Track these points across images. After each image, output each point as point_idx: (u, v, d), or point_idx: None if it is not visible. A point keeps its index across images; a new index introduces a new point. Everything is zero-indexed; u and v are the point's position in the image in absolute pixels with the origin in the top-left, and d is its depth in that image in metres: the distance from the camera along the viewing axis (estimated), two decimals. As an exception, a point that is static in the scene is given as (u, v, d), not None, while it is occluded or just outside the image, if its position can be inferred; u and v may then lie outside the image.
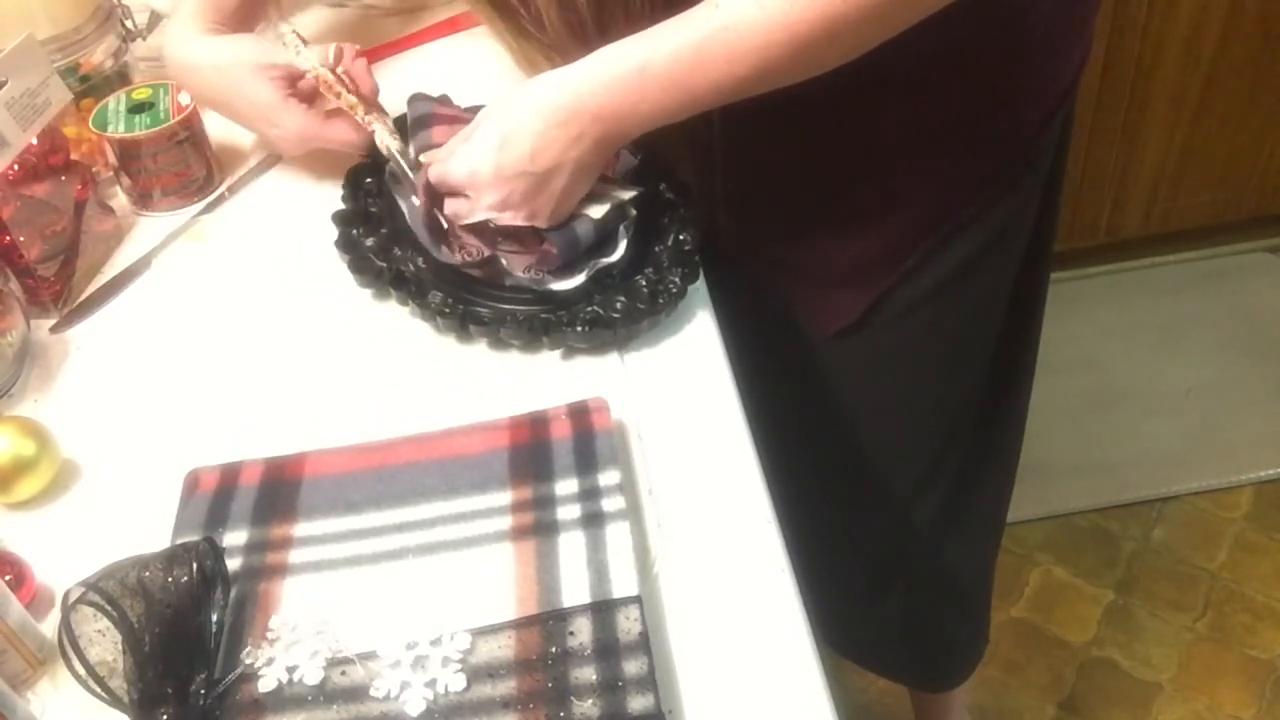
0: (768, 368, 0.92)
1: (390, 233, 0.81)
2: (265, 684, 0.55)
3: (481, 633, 0.56)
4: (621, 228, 0.77)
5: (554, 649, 0.55)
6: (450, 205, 0.76)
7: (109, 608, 0.53)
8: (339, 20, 1.10)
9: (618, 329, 0.73)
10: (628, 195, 0.77)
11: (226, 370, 0.76)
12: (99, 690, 0.53)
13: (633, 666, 0.53)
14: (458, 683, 0.54)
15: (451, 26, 1.07)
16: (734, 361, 0.73)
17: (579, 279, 0.75)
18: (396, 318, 0.78)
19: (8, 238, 0.80)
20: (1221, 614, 1.63)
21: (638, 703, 0.52)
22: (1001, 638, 1.61)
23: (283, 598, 0.59)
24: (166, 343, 0.79)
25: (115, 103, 0.90)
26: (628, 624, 0.55)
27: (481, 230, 0.77)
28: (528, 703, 0.53)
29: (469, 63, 1.00)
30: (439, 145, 0.78)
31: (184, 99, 0.89)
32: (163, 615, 0.54)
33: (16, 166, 0.83)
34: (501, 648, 0.55)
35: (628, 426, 0.69)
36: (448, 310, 0.75)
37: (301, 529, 0.62)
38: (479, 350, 0.75)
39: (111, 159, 0.90)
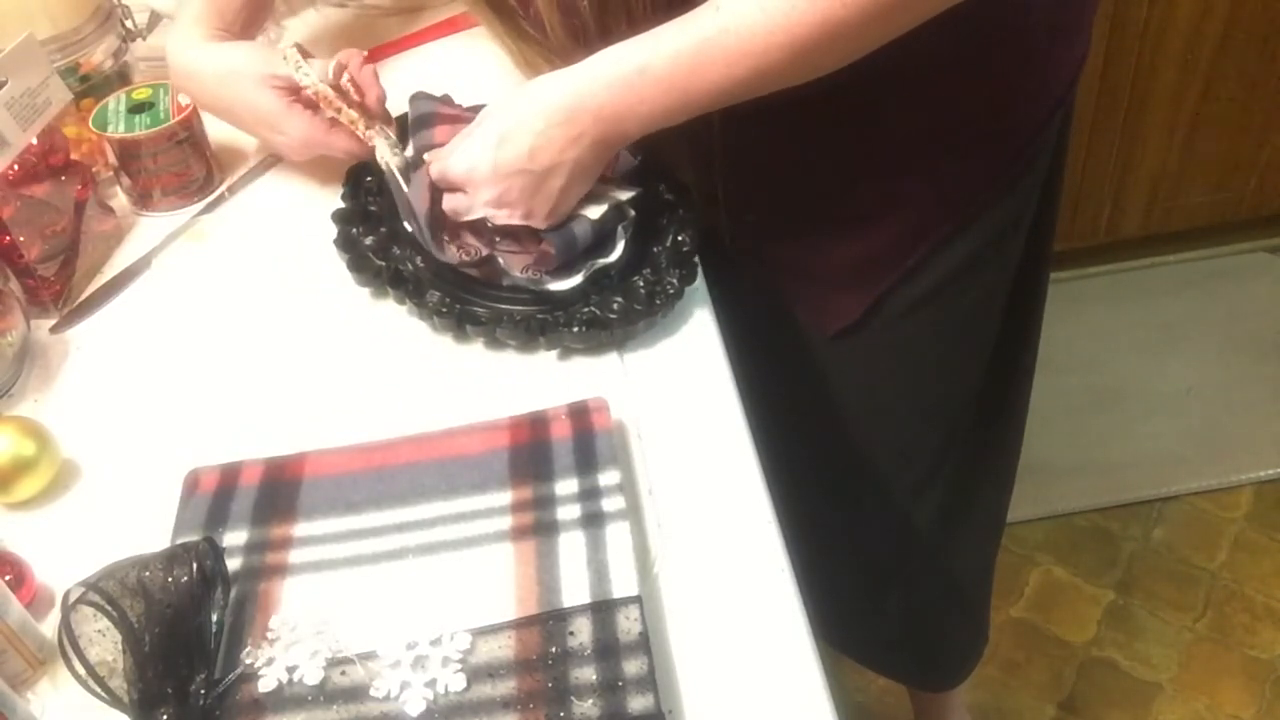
0: (768, 368, 0.92)
1: (389, 232, 0.81)
2: (265, 684, 0.55)
3: (481, 633, 0.56)
4: (620, 228, 0.77)
5: (554, 649, 0.55)
6: (449, 201, 0.76)
7: (109, 608, 0.53)
8: (339, 20, 1.10)
9: (614, 330, 0.73)
10: (626, 196, 0.77)
11: (226, 370, 0.76)
12: (99, 690, 0.53)
13: (633, 666, 0.53)
14: (458, 683, 0.54)
15: (451, 26, 1.07)
16: (734, 361, 0.73)
17: (577, 279, 0.75)
18: (395, 317, 0.78)
19: (8, 238, 0.80)
20: (1221, 614, 1.63)
21: (638, 703, 0.52)
22: (1001, 638, 1.61)
23: (283, 598, 0.59)
24: (166, 343, 0.79)
25: (115, 103, 0.90)
26: (628, 624, 0.55)
27: (480, 230, 0.77)
28: (528, 703, 0.53)
29: (469, 63, 1.00)
30: (441, 145, 0.78)
31: (184, 99, 0.89)
32: (163, 615, 0.54)
33: (16, 166, 0.83)
34: (501, 648, 0.55)
35: (628, 426, 0.69)
36: (445, 310, 0.75)
37: (301, 529, 0.62)
38: (476, 350, 0.75)
39: (111, 159, 0.90)
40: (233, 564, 0.60)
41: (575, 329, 0.73)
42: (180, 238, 0.88)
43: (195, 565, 0.55)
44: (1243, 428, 1.84)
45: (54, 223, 0.84)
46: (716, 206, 0.90)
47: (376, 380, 0.74)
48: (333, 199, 0.85)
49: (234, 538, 0.62)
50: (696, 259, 0.77)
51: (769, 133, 0.82)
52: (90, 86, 0.93)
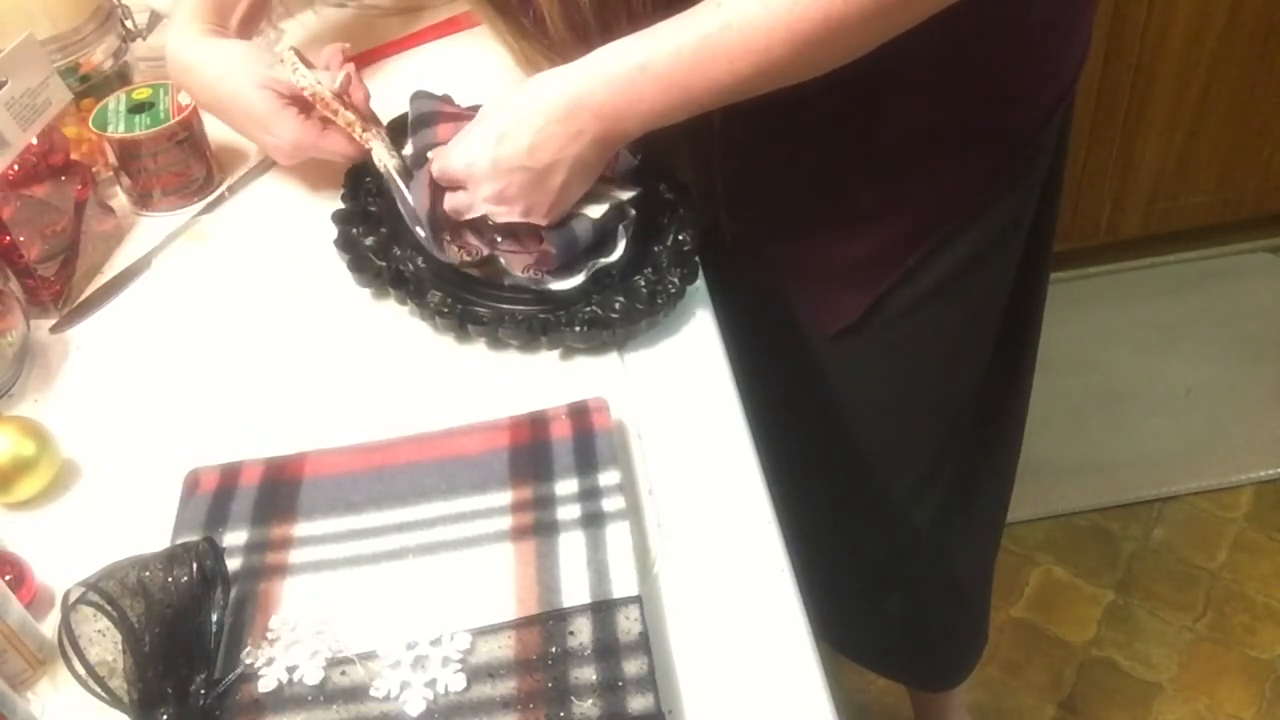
0: (768, 368, 0.92)
1: (390, 232, 0.81)
2: (265, 684, 0.55)
3: (481, 633, 0.56)
4: (621, 228, 0.77)
5: (554, 649, 0.55)
6: (451, 200, 0.76)
7: (109, 608, 0.53)
8: (338, 21, 1.10)
9: (616, 329, 0.73)
10: (627, 195, 0.77)
11: (226, 370, 0.76)
12: (99, 690, 0.53)
13: (633, 666, 0.53)
14: (458, 683, 0.54)
15: (451, 26, 1.07)
16: (734, 361, 0.73)
17: (578, 279, 0.75)
18: (395, 317, 0.78)
19: (8, 238, 0.80)
20: (1221, 614, 1.63)
21: (638, 703, 0.52)
22: (1001, 638, 1.61)
23: (283, 598, 0.59)
24: (166, 343, 0.79)
25: (115, 103, 0.90)
26: (628, 624, 0.55)
27: (481, 229, 0.77)
28: (528, 703, 0.53)
29: (469, 63, 1.00)
30: (443, 143, 0.78)
31: (184, 99, 0.89)
32: (163, 615, 0.54)
33: (16, 166, 0.83)
34: (501, 648, 0.55)
35: (628, 426, 0.69)
36: (446, 310, 0.75)
37: (301, 529, 0.62)
38: (478, 350, 0.75)
39: (111, 159, 0.90)
40: (233, 564, 0.60)
41: (577, 328, 0.73)
42: (180, 238, 0.88)
43: (195, 565, 0.55)
44: (1243, 428, 1.84)
45: (54, 223, 0.84)
46: (717, 205, 0.90)
47: (377, 380, 0.74)
48: (333, 199, 0.85)
49: (234, 538, 0.62)
50: (697, 258, 0.77)
51: (769, 132, 0.82)
52: (90, 86, 0.93)
